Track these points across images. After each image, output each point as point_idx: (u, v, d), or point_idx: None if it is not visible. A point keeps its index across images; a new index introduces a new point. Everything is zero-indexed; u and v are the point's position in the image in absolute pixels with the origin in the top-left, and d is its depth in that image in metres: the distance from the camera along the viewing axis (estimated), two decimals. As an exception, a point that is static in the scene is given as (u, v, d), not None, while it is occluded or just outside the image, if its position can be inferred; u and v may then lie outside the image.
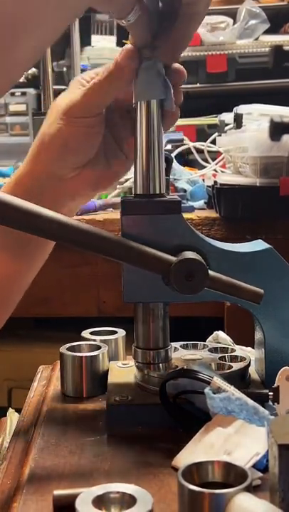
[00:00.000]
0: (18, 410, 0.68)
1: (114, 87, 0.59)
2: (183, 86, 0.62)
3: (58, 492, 0.44)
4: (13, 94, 2.14)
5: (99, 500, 0.40)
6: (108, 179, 0.65)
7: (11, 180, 0.64)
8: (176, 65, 0.60)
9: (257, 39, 2.09)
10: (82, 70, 1.95)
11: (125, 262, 0.56)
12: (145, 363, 0.60)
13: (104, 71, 0.59)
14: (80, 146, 0.61)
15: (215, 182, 1.38)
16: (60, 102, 0.62)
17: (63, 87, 2.11)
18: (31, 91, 2.14)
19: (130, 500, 0.40)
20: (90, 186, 0.65)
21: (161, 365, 0.60)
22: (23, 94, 2.13)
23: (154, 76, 0.58)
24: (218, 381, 0.51)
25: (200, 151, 1.68)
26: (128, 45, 0.57)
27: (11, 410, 0.80)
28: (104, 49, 2.13)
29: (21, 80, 2.26)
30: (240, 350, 0.66)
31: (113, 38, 2.18)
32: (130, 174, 0.66)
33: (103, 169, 0.64)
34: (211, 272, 0.55)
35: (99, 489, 0.41)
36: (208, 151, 1.65)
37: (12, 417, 0.80)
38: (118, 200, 0.62)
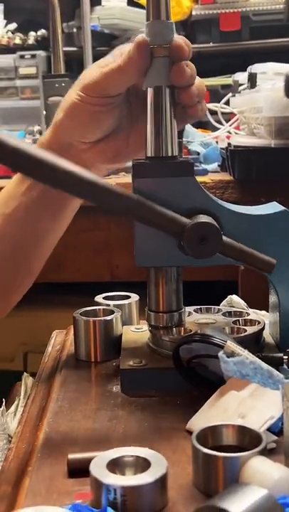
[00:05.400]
0: (34, 374, 0.69)
1: (126, 76, 0.60)
2: (195, 45, 0.61)
3: (72, 456, 0.45)
4: (22, 56, 2.11)
5: (113, 464, 0.40)
6: (124, 155, 0.66)
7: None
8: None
9: (271, -5, 2.04)
10: (93, 31, 1.91)
11: (140, 222, 0.55)
12: (158, 326, 0.60)
13: (124, 55, 0.60)
14: (92, 122, 0.63)
15: (229, 144, 1.36)
16: (84, 76, 0.63)
17: (73, 48, 2.08)
18: (41, 53, 2.11)
19: (144, 463, 0.40)
20: (105, 160, 0.66)
21: (174, 329, 0.60)
22: (33, 56, 2.10)
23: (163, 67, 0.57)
24: (231, 345, 0.51)
25: (213, 113, 1.65)
26: (141, 39, 0.57)
27: (25, 375, 0.81)
28: (115, 8, 2.08)
29: (31, 42, 2.23)
30: (254, 314, 0.65)
31: (124, -3, 2.13)
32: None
33: (120, 145, 0.65)
34: (224, 238, 0.55)
35: (113, 453, 0.41)
36: (222, 113, 1.62)
37: (27, 382, 0.81)
38: (130, 163, 0.61)
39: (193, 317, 0.64)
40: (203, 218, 0.55)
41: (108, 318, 0.65)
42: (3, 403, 0.80)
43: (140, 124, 0.64)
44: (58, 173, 0.48)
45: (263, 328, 0.61)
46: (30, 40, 2.24)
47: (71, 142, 0.64)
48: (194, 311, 0.66)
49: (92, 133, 0.64)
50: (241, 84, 1.50)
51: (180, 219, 0.54)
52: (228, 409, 0.48)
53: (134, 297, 0.72)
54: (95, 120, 0.63)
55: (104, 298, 0.72)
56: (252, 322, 0.62)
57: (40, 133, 1.73)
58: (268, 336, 0.63)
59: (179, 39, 0.58)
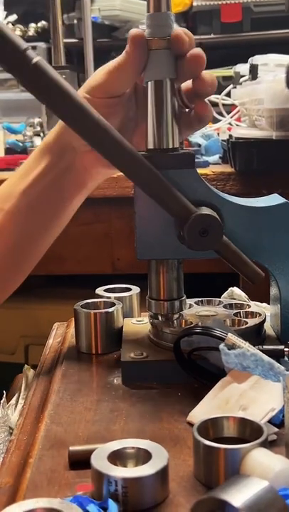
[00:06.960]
0: (35, 367, 0.69)
1: (126, 74, 0.60)
2: (196, 37, 0.60)
3: (73, 448, 0.45)
4: (23, 48, 2.10)
5: (114, 456, 0.40)
6: None
7: (37, 149, 0.67)
8: (195, 51, 0.58)
9: (273, -14, 2.03)
10: (93, 23, 1.90)
11: (152, 196, 0.55)
12: (159, 314, 0.59)
13: (123, 53, 0.60)
14: None
15: (230, 136, 1.35)
16: (90, 78, 0.64)
17: (74, 40, 2.07)
18: (42, 45, 2.10)
19: (145, 455, 0.40)
20: (106, 163, 0.62)
21: (175, 321, 0.60)
22: (34, 48, 2.08)
23: (164, 60, 0.57)
24: (232, 337, 0.51)
25: (214, 104, 1.64)
26: (135, 33, 0.58)
27: (26, 367, 0.81)
28: (116, 0, 2.07)
29: (31, 34, 2.22)
30: (255, 306, 0.65)
31: (125, -12, 2.11)
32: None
33: None
34: (224, 238, 0.55)
35: (114, 445, 0.41)
36: (223, 104, 1.61)
37: (28, 374, 0.81)
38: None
39: (194, 309, 0.64)
40: (206, 211, 0.55)
41: (109, 310, 0.65)
42: (4, 395, 0.80)
43: (144, 124, 0.64)
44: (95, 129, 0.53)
45: (264, 321, 0.61)
46: (31, 32, 2.23)
47: (74, 145, 0.64)
48: (195, 303, 0.66)
49: None
50: (242, 76, 1.50)
51: (190, 206, 0.55)
52: (229, 401, 0.48)
53: (135, 289, 0.72)
54: None
55: (105, 290, 0.72)
56: (253, 314, 0.62)
57: (41, 125, 1.72)
58: (268, 328, 0.63)
59: (179, 30, 0.57)
